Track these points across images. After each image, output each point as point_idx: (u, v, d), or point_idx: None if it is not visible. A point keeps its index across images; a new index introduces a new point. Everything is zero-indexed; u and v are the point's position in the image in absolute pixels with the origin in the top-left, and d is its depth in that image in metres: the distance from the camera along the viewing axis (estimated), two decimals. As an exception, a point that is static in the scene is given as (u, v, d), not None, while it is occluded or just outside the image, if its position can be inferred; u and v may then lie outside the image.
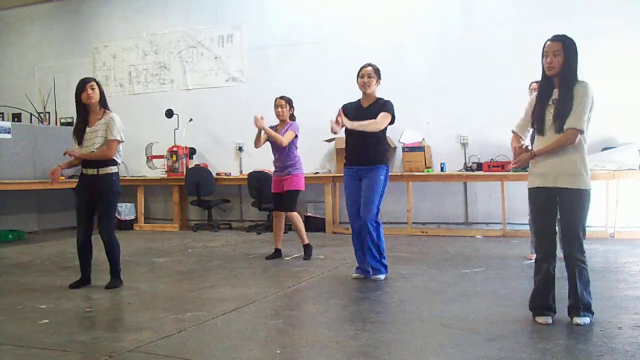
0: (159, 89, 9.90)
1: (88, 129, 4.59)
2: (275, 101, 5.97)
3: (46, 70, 10.54)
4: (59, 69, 10.34)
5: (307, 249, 5.97)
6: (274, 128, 5.91)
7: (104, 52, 10.29)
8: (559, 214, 3.44)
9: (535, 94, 3.54)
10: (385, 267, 4.86)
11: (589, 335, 3.16)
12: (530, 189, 3.52)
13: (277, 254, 6.01)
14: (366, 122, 4.69)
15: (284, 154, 5.84)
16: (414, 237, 7.58)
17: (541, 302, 3.44)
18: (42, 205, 9.11)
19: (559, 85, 3.35)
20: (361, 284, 4.69)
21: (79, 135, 4.61)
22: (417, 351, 2.99)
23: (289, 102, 5.96)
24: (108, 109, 4.68)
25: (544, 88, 3.43)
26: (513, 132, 3.60)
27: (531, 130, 3.54)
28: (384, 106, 4.79)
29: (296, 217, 5.90)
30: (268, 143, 5.91)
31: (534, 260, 3.66)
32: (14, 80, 10.85)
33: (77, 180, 4.81)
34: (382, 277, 4.80)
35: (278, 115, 5.92)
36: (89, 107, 4.61)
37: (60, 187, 8.10)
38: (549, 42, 3.35)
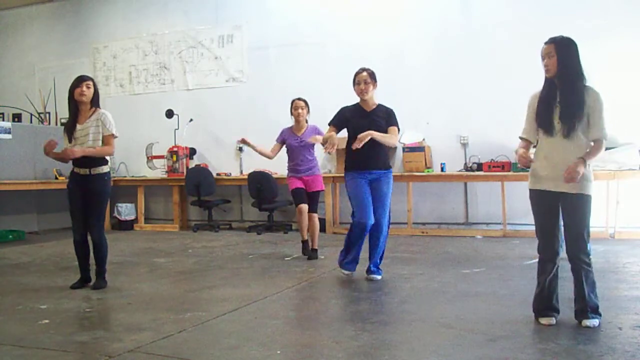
0: (159, 89, 9.89)
1: (78, 126, 4.57)
2: (293, 102, 5.97)
3: (46, 70, 10.53)
4: (59, 69, 10.32)
5: (315, 252, 5.97)
6: (290, 130, 5.93)
7: (104, 52, 10.29)
8: (561, 216, 3.43)
9: (532, 98, 3.47)
10: (381, 270, 4.89)
11: (589, 335, 3.16)
12: (533, 190, 3.47)
13: (307, 245, 6.01)
14: (388, 135, 4.72)
15: (309, 156, 5.88)
16: (414, 237, 7.58)
17: (546, 302, 3.42)
18: (42, 205, 9.11)
19: (560, 86, 3.34)
20: (361, 284, 4.69)
21: (69, 131, 4.58)
22: (417, 351, 2.99)
23: (307, 103, 5.98)
24: (98, 107, 4.67)
25: (547, 90, 3.40)
26: (521, 138, 3.52)
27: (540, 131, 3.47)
28: (391, 118, 4.82)
29: (317, 218, 5.96)
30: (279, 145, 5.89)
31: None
32: (14, 80, 10.84)
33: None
34: (379, 277, 4.82)
35: (297, 117, 5.91)
36: (80, 104, 4.59)
37: (60, 187, 8.09)
38: (544, 46, 3.37)
